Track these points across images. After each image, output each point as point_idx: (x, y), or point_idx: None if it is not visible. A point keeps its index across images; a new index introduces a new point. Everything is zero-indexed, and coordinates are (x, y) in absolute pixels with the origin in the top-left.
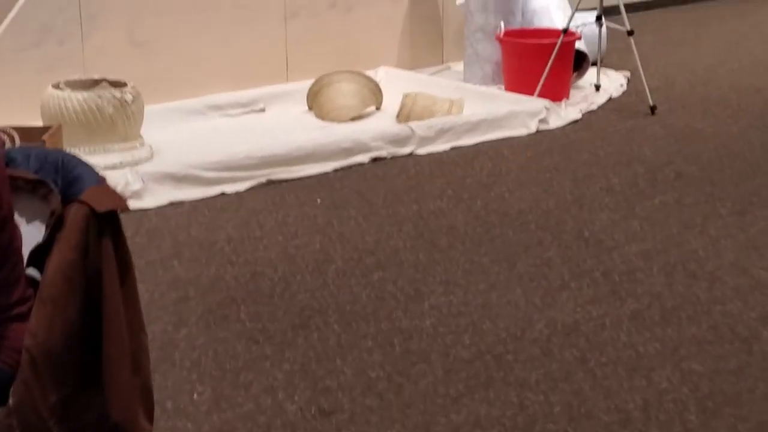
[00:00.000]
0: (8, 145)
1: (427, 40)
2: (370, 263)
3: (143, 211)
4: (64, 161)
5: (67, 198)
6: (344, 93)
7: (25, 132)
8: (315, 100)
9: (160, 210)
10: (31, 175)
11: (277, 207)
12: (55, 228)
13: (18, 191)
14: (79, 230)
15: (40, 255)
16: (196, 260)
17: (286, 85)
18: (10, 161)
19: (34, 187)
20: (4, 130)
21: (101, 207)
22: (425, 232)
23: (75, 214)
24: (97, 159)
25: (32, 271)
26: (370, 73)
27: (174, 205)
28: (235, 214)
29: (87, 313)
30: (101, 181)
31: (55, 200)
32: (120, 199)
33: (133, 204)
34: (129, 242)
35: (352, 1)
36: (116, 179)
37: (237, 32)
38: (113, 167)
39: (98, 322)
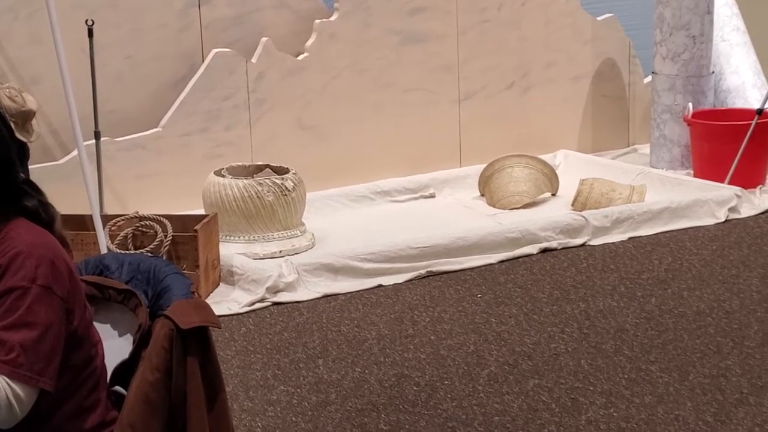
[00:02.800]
0: (160, 235)
1: (611, 121)
2: (526, 368)
3: (295, 305)
4: (155, 270)
5: (156, 310)
6: (517, 178)
7: (179, 221)
8: (487, 186)
9: (312, 303)
10: (122, 285)
11: (435, 302)
12: (140, 344)
13: (110, 302)
14: (162, 348)
15: (126, 372)
16: (342, 360)
17: (458, 170)
18: (104, 269)
19: (125, 298)
20: (155, 219)
21: (186, 323)
22: (591, 333)
23: (159, 331)
24: (256, 248)
25: (120, 389)
26: (548, 157)
27: (328, 298)
28: (389, 309)
29: None
30: (191, 293)
31: (143, 313)
32: (208, 315)
33: (286, 296)
34: (277, 338)
35: (530, 81)
36: (269, 270)
37: (408, 115)
38: (272, 256)
39: None
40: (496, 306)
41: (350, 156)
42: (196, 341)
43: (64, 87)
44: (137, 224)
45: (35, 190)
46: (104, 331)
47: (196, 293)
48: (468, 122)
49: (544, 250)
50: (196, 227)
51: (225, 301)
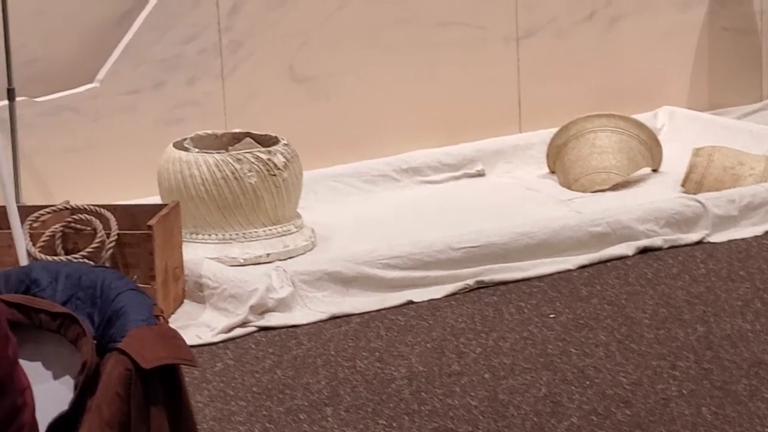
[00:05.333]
0: (100, 234)
1: (736, 66)
2: (622, 419)
3: (291, 330)
4: (104, 285)
5: (106, 342)
6: (602, 148)
7: (126, 213)
8: (558, 160)
9: (315, 328)
10: (57, 308)
11: (488, 325)
12: (85, 390)
13: (41, 331)
14: (115, 396)
15: (66, 429)
16: (359, 409)
17: (517, 137)
18: (31, 284)
19: (62, 325)
20: (93, 212)
21: (149, 360)
22: (715, 369)
23: (111, 371)
24: (234, 250)
25: None
26: (646, 117)
27: (337, 320)
28: (424, 335)
29: None
30: (154, 317)
31: (87, 346)
32: (179, 348)
33: (277, 319)
34: (266, 378)
35: (618, 10)
36: (254, 282)
37: (445, 60)
38: (257, 262)
39: None
40: (576, 330)
41: (364, 119)
42: (163, 385)
43: None
44: (68, 219)
45: None
46: (34, 371)
47: (161, 317)
48: (531, 69)
49: (644, 251)
50: (150, 222)
51: (192, 326)
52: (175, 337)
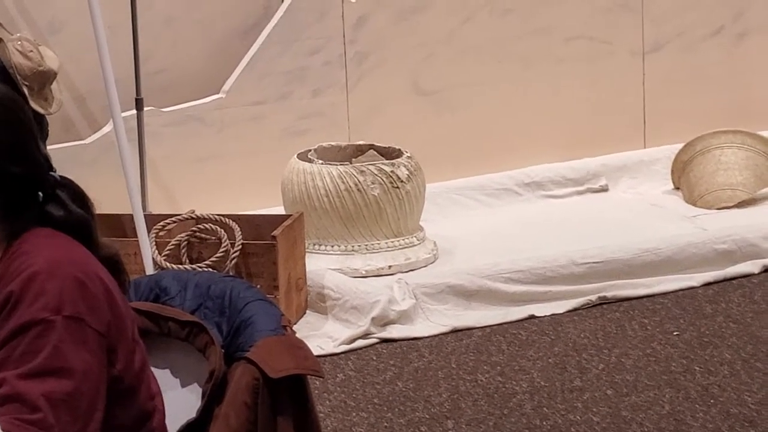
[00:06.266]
0: (225, 243)
1: None
2: None
3: (412, 342)
4: (233, 295)
5: (233, 351)
6: (729, 165)
7: (250, 223)
8: (684, 176)
9: (437, 341)
10: (186, 316)
11: (611, 341)
12: (213, 398)
13: (170, 339)
14: (243, 405)
15: None
16: (480, 422)
17: (641, 153)
18: (161, 293)
19: (191, 334)
20: (218, 221)
21: (277, 370)
22: None
23: (239, 380)
24: (356, 262)
25: None
26: None
27: (458, 333)
28: (546, 350)
29: None
30: (282, 327)
31: (216, 355)
32: (307, 359)
33: (399, 331)
34: (387, 389)
35: (747, 25)
36: (376, 293)
37: (570, 74)
38: (379, 273)
39: None
40: (700, 348)
41: (487, 133)
42: (290, 395)
43: (95, 38)
44: (193, 228)
45: (70, 192)
46: (162, 378)
47: (289, 328)
48: (656, 84)
49: None
50: (275, 233)
51: (314, 336)
52: (302, 347)
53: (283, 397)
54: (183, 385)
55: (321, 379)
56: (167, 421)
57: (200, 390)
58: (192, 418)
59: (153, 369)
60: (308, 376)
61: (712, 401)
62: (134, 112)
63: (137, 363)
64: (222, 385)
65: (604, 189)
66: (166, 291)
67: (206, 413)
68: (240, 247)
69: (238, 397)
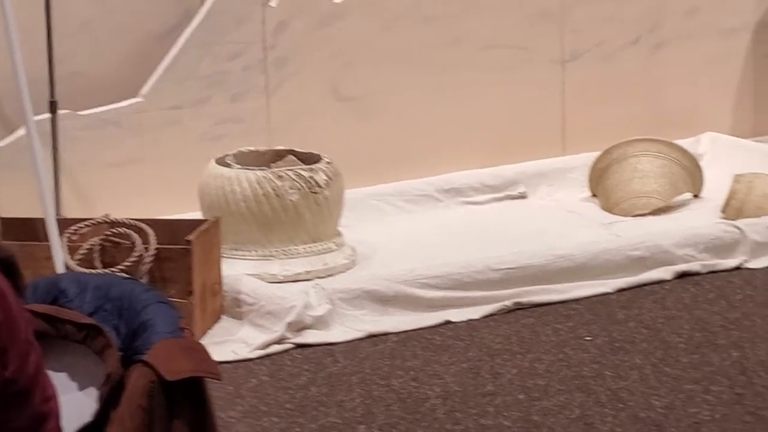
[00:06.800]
0: (139, 248)
1: None
2: None
3: (328, 348)
4: (131, 297)
5: (131, 354)
6: (644, 173)
7: (166, 228)
8: (600, 183)
9: (352, 346)
10: (83, 319)
11: (525, 347)
12: (109, 401)
13: (66, 341)
14: (138, 408)
15: None
16: (393, 427)
17: (560, 160)
18: (59, 295)
19: (88, 336)
20: (132, 225)
21: (174, 372)
22: (747, 395)
23: (135, 383)
24: (274, 267)
25: None
26: (688, 142)
27: (374, 339)
28: (460, 355)
29: None
30: (180, 329)
31: (113, 358)
32: (204, 361)
33: (314, 336)
34: (300, 394)
35: (663, 35)
36: (292, 299)
37: (490, 83)
38: (296, 279)
39: None
40: (612, 353)
41: (407, 139)
42: (187, 398)
43: (7, 38)
44: (107, 232)
45: None
46: (59, 382)
47: (187, 331)
48: (575, 93)
49: (682, 275)
50: (190, 237)
51: (229, 342)
52: (200, 350)
53: (179, 400)
54: (80, 388)
55: (222, 383)
56: (63, 424)
57: (97, 393)
58: (87, 422)
59: (50, 372)
60: (207, 380)
61: (621, 405)
62: (48, 115)
63: (32, 365)
64: (119, 388)
65: (522, 196)
66: (64, 293)
67: (102, 417)
68: (154, 251)
69: (133, 400)
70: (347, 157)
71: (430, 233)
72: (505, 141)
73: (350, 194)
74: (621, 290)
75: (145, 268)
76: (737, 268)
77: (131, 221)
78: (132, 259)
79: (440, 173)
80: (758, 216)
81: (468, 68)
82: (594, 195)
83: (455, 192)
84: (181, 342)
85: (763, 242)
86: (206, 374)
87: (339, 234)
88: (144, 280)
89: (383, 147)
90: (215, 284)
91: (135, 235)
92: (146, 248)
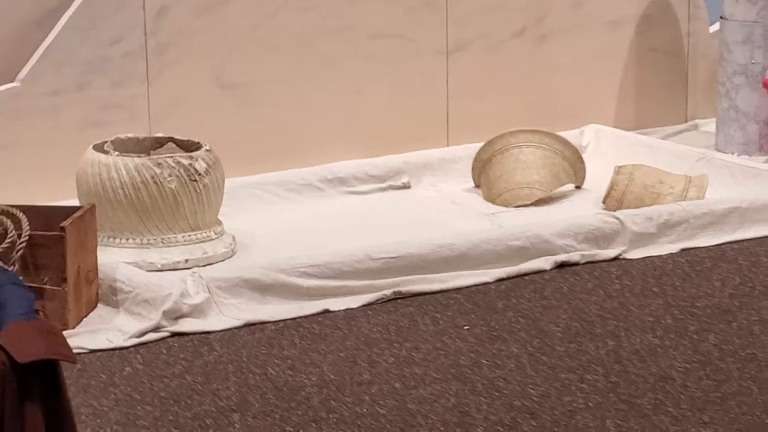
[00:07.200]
0: (11, 234)
1: (662, 86)
2: (527, 431)
3: (204, 336)
4: None
5: None
6: (527, 164)
7: (39, 214)
8: (483, 174)
9: (229, 335)
10: None
11: (403, 336)
12: None
13: None
14: None
15: None
16: (267, 415)
17: (443, 151)
18: None
19: None
20: (4, 211)
21: (25, 354)
22: (621, 383)
23: None
24: (152, 255)
25: None
26: (572, 134)
27: (251, 328)
28: (338, 344)
29: None
30: (33, 312)
31: None
32: (58, 343)
33: (191, 325)
34: (176, 383)
35: (548, 27)
36: (168, 287)
37: (374, 72)
38: (175, 267)
39: None
40: (489, 342)
41: (290, 128)
42: (40, 382)
43: None
44: None
45: None
46: None
47: (41, 312)
48: (459, 84)
49: (562, 265)
50: (64, 224)
51: (104, 330)
52: (56, 333)
53: (32, 383)
54: None
55: (98, 372)
56: None
57: None
58: None
59: None
60: (63, 363)
61: (496, 394)
62: None
63: None
64: None
65: (406, 186)
66: None
67: None
68: (27, 237)
69: None
70: (229, 146)
71: (311, 223)
72: (389, 131)
73: (231, 183)
74: (501, 280)
75: (17, 254)
76: (616, 259)
77: (3, 207)
78: (4, 245)
79: (324, 163)
80: (638, 207)
81: (352, 57)
82: (477, 186)
83: (338, 182)
84: (35, 324)
85: (641, 233)
86: (61, 357)
87: (219, 223)
88: (16, 266)
89: (266, 136)
90: (90, 272)
91: (7, 221)
92: (19, 234)
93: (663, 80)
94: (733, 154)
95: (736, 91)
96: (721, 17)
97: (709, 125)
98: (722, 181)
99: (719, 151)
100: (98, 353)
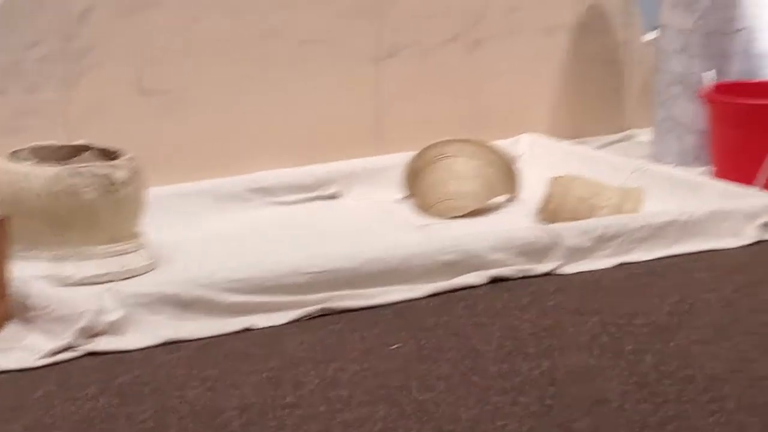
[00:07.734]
0: None
1: (598, 95)
2: None
3: (121, 356)
4: None
5: None
6: (459, 174)
7: None
8: (415, 184)
9: (147, 354)
10: None
11: (330, 355)
12: None
13: None
14: None
15: None
16: None
17: (374, 160)
18: None
19: None
20: None
21: None
22: (556, 406)
23: None
24: (67, 269)
25: None
26: (506, 143)
27: (170, 346)
28: (261, 364)
29: None
30: None
31: None
32: None
33: (107, 343)
34: (89, 406)
35: (482, 33)
36: (84, 303)
37: (303, 79)
38: (92, 282)
39: None
40: (419, 362)
41: (215, 136)
42: None
43: None
44: None
45: None
46: None
47: None
48: (391, 91)
49: (495, 281)
50: None
51: (15, 349)
52: None
53: None
54: None
55: (4, 394)
56: None
57: None
58: None
59: None
60: None
61: (426, 417)
62: None
63: None
64: None
65: (334, 196)
66: None
67: None
68: None
69: None
70: (151, 154)
71: (236, 235)
72: (318, 139)
73: (153, 193)
74: (431, 295)
75: None
76: (550, 274)
77: None
78: None
79: (250, 172)
80: (574, 219)
81: (281, 63)
82: (409, 196)
83: (264, 191)
84: None
85: (577, 247)
86: None
87: (140, 235)
88: None
89: (190, 144)
90: (1, 287)
91: None
92: None
93: (599, 89)
94: (670, 165)
95: (673, 101)
96: (658, 25)
97: (645, 135)
98: (659, 193)
99: (656, 161)
100: (9, 374)
